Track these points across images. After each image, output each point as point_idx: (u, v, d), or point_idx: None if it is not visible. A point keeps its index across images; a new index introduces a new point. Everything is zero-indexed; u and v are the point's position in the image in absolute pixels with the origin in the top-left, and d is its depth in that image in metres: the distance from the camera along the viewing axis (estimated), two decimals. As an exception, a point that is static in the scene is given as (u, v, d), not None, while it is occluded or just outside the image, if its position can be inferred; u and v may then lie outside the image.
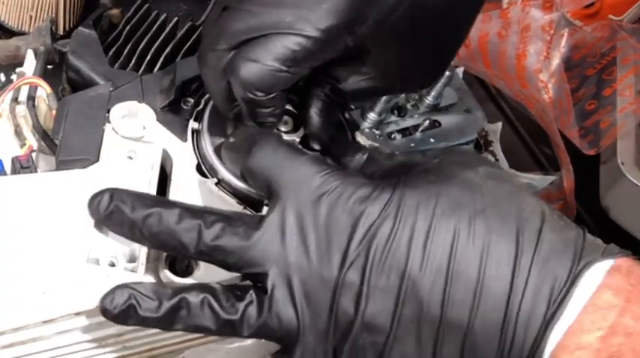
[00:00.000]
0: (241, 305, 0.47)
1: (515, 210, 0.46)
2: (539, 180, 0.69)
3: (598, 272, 0.44)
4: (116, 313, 0.47)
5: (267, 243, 0.47)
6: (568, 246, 0.45)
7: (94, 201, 0.49)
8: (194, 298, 0.47)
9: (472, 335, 0.44)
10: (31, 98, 0.58)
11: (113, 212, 0.48)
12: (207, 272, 0.52)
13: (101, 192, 0.49)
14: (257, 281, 0.47)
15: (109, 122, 0.56)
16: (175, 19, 0.64)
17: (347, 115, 0.62)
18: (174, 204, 0.48)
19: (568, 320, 0.43)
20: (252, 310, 0.47)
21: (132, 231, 0.48)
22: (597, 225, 0.80)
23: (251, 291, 0.47)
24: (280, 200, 0.48)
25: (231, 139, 0.53)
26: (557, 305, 0.43)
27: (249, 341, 0.56)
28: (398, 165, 0.51)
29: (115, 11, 0.64)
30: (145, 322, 0.47)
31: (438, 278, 0.44)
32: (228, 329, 0.47)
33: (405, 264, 0.45)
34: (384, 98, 0.61)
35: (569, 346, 0.43)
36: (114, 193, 0.49)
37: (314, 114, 0.56)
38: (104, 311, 0.47)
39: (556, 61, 0.75)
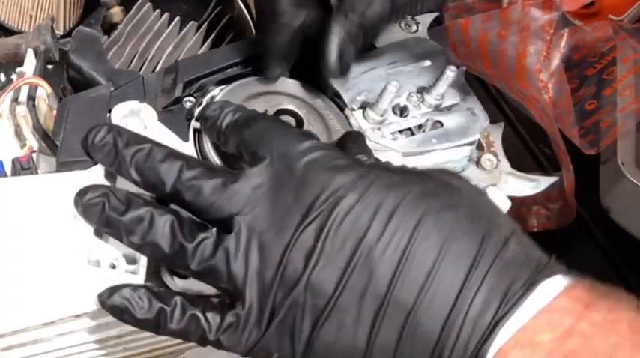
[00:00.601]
0: (200, 236, 0.47)
1: (488, 216, 0.46)
2: (543, 180, 0.69)
3: (559, 283, 0.44)
4: (83, 204, 0.48)
5: (240, 192, 0.47)
6: (531, 259, 0.45)
7: (92, 131, 0.50)
8: (160, 215, 0.47)
9: (415, 317, 0.44)
10: (32, 98, 0.58)
11: (107, 143, 0.50)
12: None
13: (100, 125, 0.50)
14: (222, 227, 0.48)
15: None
16: (177, 18, 0.64)
17: (353, 122, 0.62)
18: (166, 146, 0.50)
19: (522, 320, 0.42)
20: (208, 245, 0.47)
21: (119, 163, 0.49)
22: (597, 225, 0.80)
23: (214, 229, 0.47)
24: (263, 158, 0.49)
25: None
26: (511, 305, 0.43)
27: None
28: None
29: (117, 10, 0.64)
30: (108, 221, 0.48)
31: (394, 253, 0.44)
32: (180, 256, 0.47)
33: (363, 233, 0.45)
34: (386, 97, 0.61)
35: (521, 342, 0.42)
36: (112, 127, 0.51)
37: (333, 43, 0.57)
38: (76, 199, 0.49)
39: (556, 61, 0.75)
